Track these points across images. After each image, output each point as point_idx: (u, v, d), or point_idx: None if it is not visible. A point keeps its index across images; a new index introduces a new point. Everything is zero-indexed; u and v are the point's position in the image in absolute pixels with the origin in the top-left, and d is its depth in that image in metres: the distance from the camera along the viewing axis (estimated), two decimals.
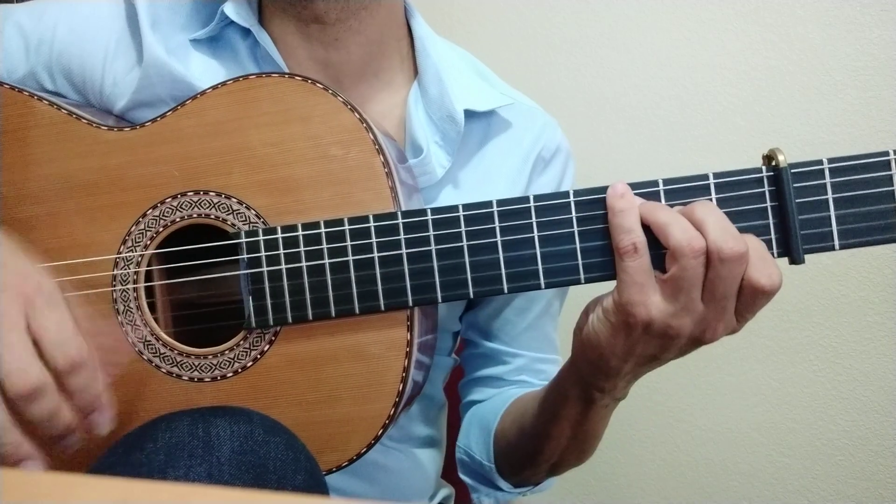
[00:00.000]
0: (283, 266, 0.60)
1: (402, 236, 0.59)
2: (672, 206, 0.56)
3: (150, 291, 0.64)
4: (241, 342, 0.61)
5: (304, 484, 0.53)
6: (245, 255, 0.60)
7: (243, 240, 0.60)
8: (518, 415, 0.75)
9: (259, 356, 0.61)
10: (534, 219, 0.58)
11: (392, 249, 0.59)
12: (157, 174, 0.63)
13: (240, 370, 0.61)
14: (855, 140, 1.02)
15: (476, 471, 0.81)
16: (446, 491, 0.88)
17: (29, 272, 0.52)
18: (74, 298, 0.61)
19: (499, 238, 0.58)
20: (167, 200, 0.62)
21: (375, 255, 0.59)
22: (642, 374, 0.61)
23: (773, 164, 0.56)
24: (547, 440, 0.70)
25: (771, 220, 0.56)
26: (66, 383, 0.50)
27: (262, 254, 0.60)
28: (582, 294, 0.62)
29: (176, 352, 0.62)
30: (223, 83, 0.63)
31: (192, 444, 0.52)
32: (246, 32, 0.72)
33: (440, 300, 0.59)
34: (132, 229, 0.63)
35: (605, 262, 0.57)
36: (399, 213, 0.59)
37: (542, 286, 0.58)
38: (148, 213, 0.63)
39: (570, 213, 0.58)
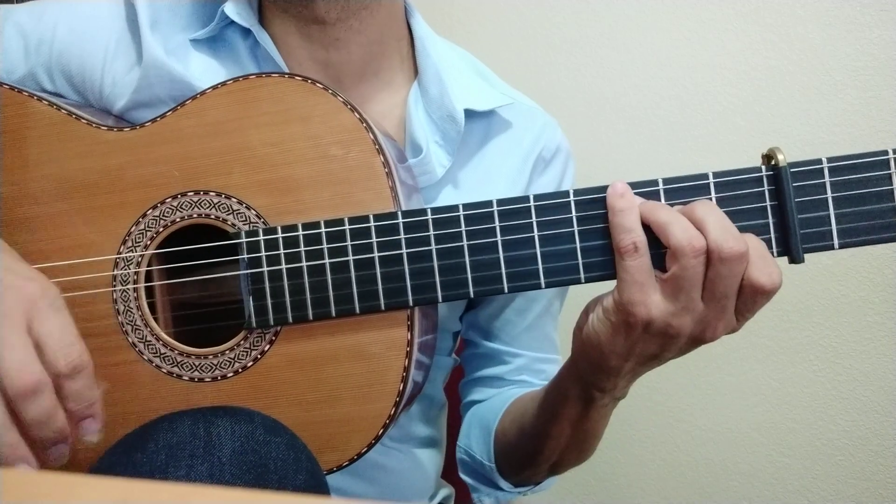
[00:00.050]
0: (284, 266, 0.60)
1: (402, 236, 0.59)
2: (672, 205, 0.56)
3: (150, 291, 0.64)
4: (242, 342, 0.61)
5: (305, 484, 0.54)
6: (245, 255, 0.60)
7: (243, 240, 0.60)
8: (518, 414, 0.75)
9: (259, 356, 0.61)
10: (534, 218, 0.58)
11: (392, 249, 0.59)
12: (157, 174, 0.63)
13: (240, 370, 0.61)
14: (855, 140, 1.02)
15: (477, 470, 0.81)
16: (446, 491, 0.88)
17: (32, 276, 0.52)
18: (74, 299, 0.61)
19: (499, 238, 0.58)
20: (167, 200, 0.62)
21: (376, 254, 0.59)
22: (642, 374, 0.61)
23: (773, 163, 0.56)
24: (547, 440, 0.70)
25: (770, 220, 0.56)
26: (64, 387, 0.50)
27: (263, 254, 0.60)
28: (582, 294, 0.62)
29: (176, 352, 0.62)
30: (223, 83, 0.63)
31: (193, 444, 0.52)
32: (246, 32, 0.72)
33: (440, 300, 0.59)
34: (132, 229, 0.63)
35: (605, 262, 0.57)
36: (399, 213, 0.59)
37: (543, 286, 0.58)
38: (148, 213, 0.63)
39: (571, 213, 0.58)
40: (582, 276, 0.58)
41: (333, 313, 0.59)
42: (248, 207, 0.61)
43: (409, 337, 0.60)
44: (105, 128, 0.65)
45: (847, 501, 1.08)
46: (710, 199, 0.56)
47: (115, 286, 0.63)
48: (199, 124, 0.63)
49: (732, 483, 1.13)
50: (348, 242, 0.59)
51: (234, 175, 0.62)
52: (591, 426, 0.69)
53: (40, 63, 0.71)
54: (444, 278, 0.59)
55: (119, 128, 0.65)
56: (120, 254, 0.63)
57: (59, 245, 0.63)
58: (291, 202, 0.61)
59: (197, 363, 0.61)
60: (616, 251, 0.56)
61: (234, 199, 0.62)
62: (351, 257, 0.59)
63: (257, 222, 0.61)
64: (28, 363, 0.48)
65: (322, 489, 0.56)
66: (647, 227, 0.55)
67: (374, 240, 0.59)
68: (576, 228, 0.58)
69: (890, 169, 0.55)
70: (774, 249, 0.56)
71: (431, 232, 0.59)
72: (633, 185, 0.57)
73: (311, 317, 0.60)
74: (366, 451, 0.60)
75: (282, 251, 0.60)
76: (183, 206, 0.62)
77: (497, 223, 0.58)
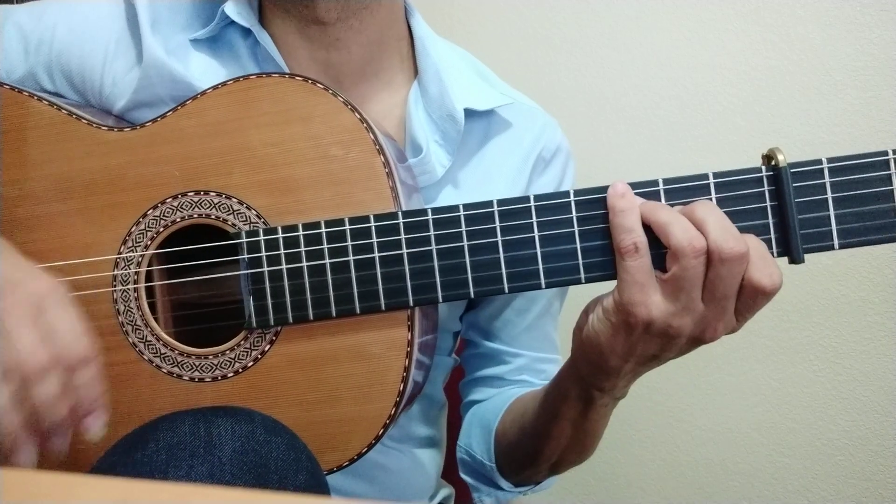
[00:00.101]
0: (284, 266, 0.60)
1: (402, 236, 0.59)
2: (672, 205, 0.56)
3: (150, 292, 0.64)
4: (242, 342, 0.61)
5: (306, 484, 0.54)
6: (245, 256, 0.60)
7: (244, 240, 0.60)
8: (518, 414, 0.75)
9: (260, 356, 0.61)
10: (534, 218, 0.58)
11: (393, 249, 0.59)
12: (157, 174, 0.63)
13: (240, 370, 0.61)
14: (855, 140, 1.02)
15: (477, 470, 0.81)
16: (446, 491, 0.88)
17: (38, 274, 0.53)
18: (75, 299, 0.61)
19: (499, 238, 0.58)
20: (168, 200, 0.62)
21: (376, 254, 0.59)
22: (642, 374, 0.61)
23: (773, 163, 0.56)
24: (547, 439, 0.70)
25: (770, 220, 0.56)
26: (71, 378, 0.50)
27: (263, 254, 0.60)
28: (582, 294, 0.62)
29: (176, 352, 0.62)
30: (223, 83, 0.63)
31: (193, 444, 0.52)
32: (246, 32, 0.72)
33: (441, 300, 0.59)
34: (132, 229, 0.63)
35: (605, 262, 0.57)
36: (400, 213, 0.59)
37: (543, 286, 0.58)
38: (148, 213, 0.63)
39: (571, 213, 0.58)
40: (582, 276, 0.58)
41: (334, 313, 0.59)
42: (248, 207, 0.61)
43: (409, 337, 0.60)
44: (105, 128, 0.65)
45: (847, 501, 1.08)
46: (711, 199, 0.56)
47: (115, 286, 0.63)
48: (199, 124, 0.63)
49: (732, 483, 1.13)
50: (349, 242, 0.59)
51: (235, 175, 0.62)
52: (591, 426, 0.69)
53: (40, 63, 0.71)
54: (445, 278, 0.59)
55: (119, 128, 0.65)
56: (120, 254, 0.63)
57: (59, 245, 0.63)
58: (292, 202, 0.61)
59: (197, 363, 0.61)
60: (616, 251, 0.56)
61: (234, 199, 0.62)
62: (351, 257, 0.59)
63: (258, 222, 0.61)
64: (39, 347, 0.48)
65: (322, 489, 0.56)
66: (647, 228, 0.55)
67: (375, 240, 0.59)
68: (576, 229, 0.58)
69: (890, 169, 0.55)
70: (774, 250, 0.56)
71: (432, 232, 0.59)
72: (634, 186, 0.57)
73: (311, 317, 0.60)
74: (366, 451, 0.60)
75: (282, 251, 0.60)
76: (183, 206, 0.62)
77: (497, 223, 0.58)
